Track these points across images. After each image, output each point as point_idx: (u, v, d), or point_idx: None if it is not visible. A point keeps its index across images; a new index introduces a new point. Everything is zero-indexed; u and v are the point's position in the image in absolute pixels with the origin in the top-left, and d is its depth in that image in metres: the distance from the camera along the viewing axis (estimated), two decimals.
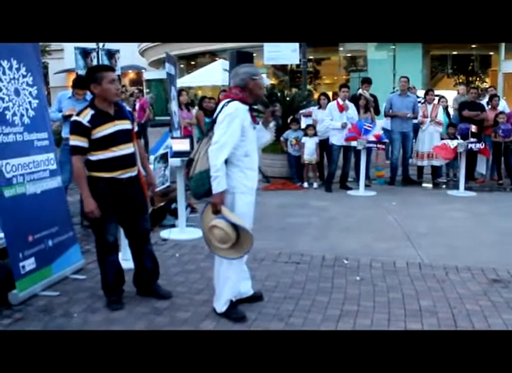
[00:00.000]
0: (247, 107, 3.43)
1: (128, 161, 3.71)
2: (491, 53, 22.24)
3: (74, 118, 3.62)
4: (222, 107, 3.40)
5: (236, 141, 3.34)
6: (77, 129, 3.56)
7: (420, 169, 9.08)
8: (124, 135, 3.69)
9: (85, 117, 3.55)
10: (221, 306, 3.58)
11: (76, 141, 3.56)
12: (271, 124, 3.65)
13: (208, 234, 3.44)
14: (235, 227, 3.34)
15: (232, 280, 3.54)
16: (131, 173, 3.74)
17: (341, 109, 8.15)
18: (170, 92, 6.53)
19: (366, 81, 9.00)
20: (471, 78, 23.62)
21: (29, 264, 3.98)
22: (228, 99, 3.42)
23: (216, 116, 3.43)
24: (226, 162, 3.38)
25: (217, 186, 3.32)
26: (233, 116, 3.32)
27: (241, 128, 3.35)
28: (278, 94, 9.92)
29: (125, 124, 3.73)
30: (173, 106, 6.55)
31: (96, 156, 3.60)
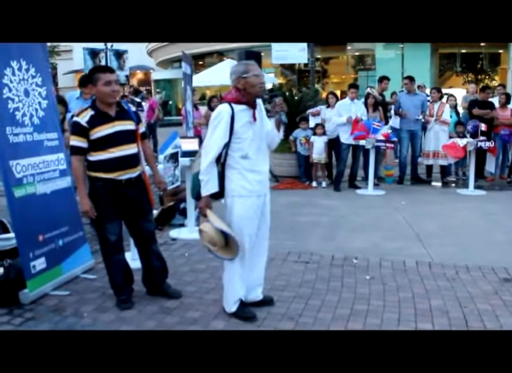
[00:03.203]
0: (243, 107, 3.35)
1: (128, 162, 3.70)
2: (500, 51, 22.12)
3: (74, 118, 3.68)
4: None
5: (222, 144, 3.31)
6: (76, 129, 3.60)
7: (429, 167, 9.03)
8: (124, 136, 3.68)
9: (83, 118, 3.57)
10: (230, 306, 3.58)
11: (75, 141, 3.59)
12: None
13: (200, 236, 3.49)
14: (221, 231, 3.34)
15: (234, 282, 3.53)
16: (131, 174, 3.72)
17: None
18: (185, 92, 6.54)
19: (386, 78, 8.92)
20: (480, 77, 23.50)
21: (40, 264, 4.00)
22: (223, 101, 3.43)
23: None
24: (225, 164, 3.38)
25: (203, 189, 3.35)
26: (218, 119, 3.32)
27: (232, 130, 3.30)
28: (287, 93, 9.92)
29: (127, 125, 3.72)
30: (188, 106, 6.56)
31: (94, 157, 3.62)
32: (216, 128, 3.31)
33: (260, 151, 3.44)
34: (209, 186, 3.34)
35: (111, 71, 3.73)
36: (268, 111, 3.53)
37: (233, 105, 3.34)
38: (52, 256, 4.13)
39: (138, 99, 11.86)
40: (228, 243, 3.39)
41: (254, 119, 3.40)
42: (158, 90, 23.82)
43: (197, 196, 3.46)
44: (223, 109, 3.32)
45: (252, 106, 3.39)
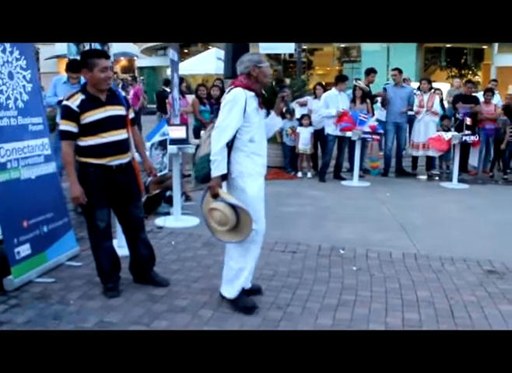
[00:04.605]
0: (252, 94, 3.41)
1: (118, 147, 3.65)
2: (484, 46, 22.32)
3: (64, 102, 3.59)
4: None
5: (237, 127, 3.35)
6: (66, 113, 3.52)
7: (415, 160, 9.09)
8: (115, 121, 3.63)
9: (74, 102, 3.50)
10: (232, 293, 3.55)
11: (65, 126, 3.52)
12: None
13: (208, 217, 3.44)
14: (234, 209, 3.31)
15: (247, 270, 3.53)
16: (121, 160, 3.67)
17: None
18: (173, 79, 6.48)
19: (373, 71, 8.90)
20: (463, 72, 23.73)
21: (25, 250, 3.93)
22: (231, 87, 3.43)
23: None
24: (232, 147, 3.39)
25: (214, 170, 3.33)
26: (233, 102, 3.34)
27: (244, 114, 3.35)
28: (274, 83, 9.88)
29: (117, 110, 3.66)
30: (175, 93, 6.51)
31: (85, 142, 3.55)
32: (232, 110, 3.33)
33: (262, 137, 3.54)
34: (221, 167, 3.34)
35: (107, 56, 3.65)
36: (272, 101, 3.64)
37: (245, 90, 3.39)
38: (37, 243, 4.07)
39: (169, 89, 11.08)
40: (238, 224, 3.35)
41: (261, 107, 3.51)
42: (142, 78, 23.55)
43: (204, 178, 3.43)
44: (239, 93, 3.36)
45: (258, 94, 3.49)
